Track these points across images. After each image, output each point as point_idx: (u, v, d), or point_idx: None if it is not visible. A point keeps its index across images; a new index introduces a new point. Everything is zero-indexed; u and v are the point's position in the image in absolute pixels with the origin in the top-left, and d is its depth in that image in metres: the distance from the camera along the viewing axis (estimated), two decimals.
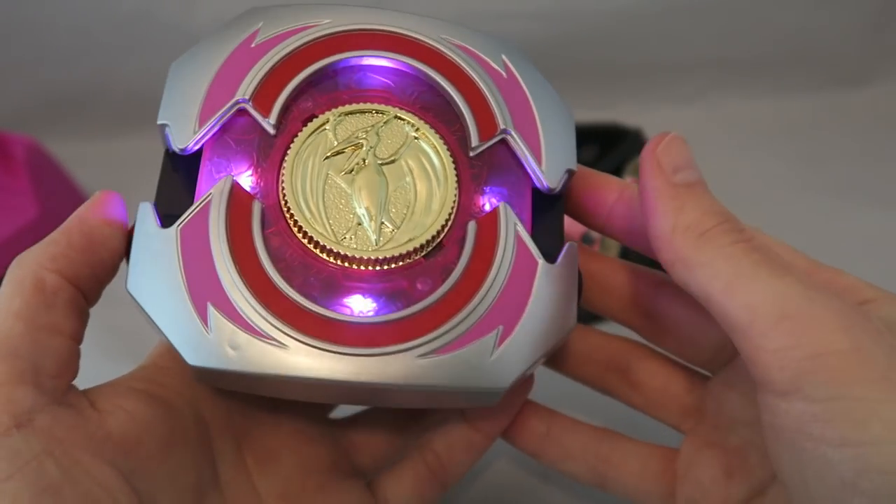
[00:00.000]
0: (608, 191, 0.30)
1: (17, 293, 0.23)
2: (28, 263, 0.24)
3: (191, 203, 0.26)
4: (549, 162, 0.28)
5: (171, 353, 0.27)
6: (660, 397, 0.33)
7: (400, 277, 0.27)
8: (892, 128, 0.65)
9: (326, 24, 0.29)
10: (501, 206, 0.27)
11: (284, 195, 0.26)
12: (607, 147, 0.56)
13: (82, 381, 0.25)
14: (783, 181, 0.60)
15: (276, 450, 0.30)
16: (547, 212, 0.29)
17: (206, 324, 0.24)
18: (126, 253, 0.26)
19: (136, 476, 0.23)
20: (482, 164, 0.29)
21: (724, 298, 0.23)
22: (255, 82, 0.27)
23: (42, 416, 0.22)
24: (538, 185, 0.28)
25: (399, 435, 0.34)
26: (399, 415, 0.35)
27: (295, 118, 0.28)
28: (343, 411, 0.35)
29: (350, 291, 0.26)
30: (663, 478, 0.32)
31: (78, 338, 0.25)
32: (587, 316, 0.37)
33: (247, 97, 0.27)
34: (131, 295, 0.25)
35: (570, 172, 0.29)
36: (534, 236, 0.28)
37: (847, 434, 0.20)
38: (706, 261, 0.23)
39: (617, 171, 0.52)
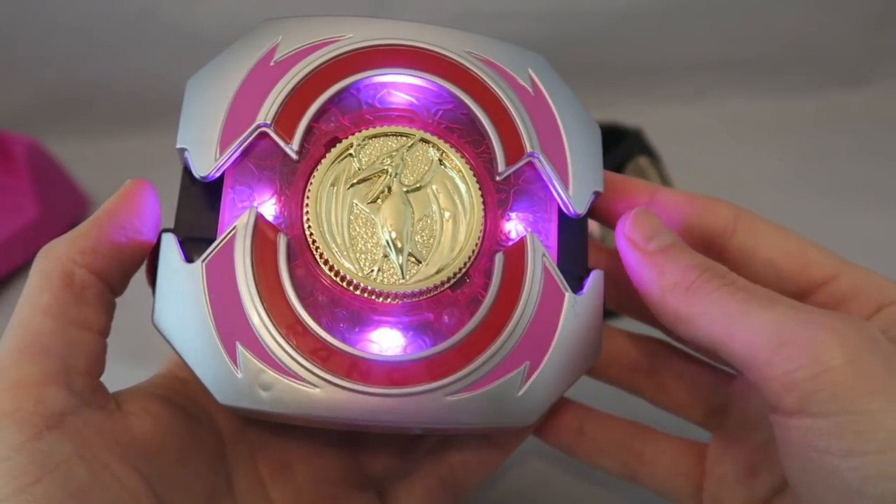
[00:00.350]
0: (638, 196, 0.30)
1: (45, 287, 0.23)
2: (56, 256, 0.24)
3: (212, 225, 0.26)
4: (576, 186, 0.28)
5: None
6: (687, 397, 0.33)
7: (426, 310, 0.26)
8: (892, 128, 0.65)
9: (347, 39, 0.28)
10: (528, 236, 0.27)
11: (310, 227, 0.26)
12: (607, 147, 0.55)
13: None
14: (783, 181, 0.61)
15: (290, 461, 0.30)
16: (572, 233, 0.28)
17: (236, 363, 0.24)
18: (149, 275, 0.26)
19: (156, 481, 0.23)
20: (508, 187, 0.28)
21: (727, 341, 0.24)
22: (276, 105, 0.26)
23: (72, 417, 0.22)
24: (565, 210, 0.28)
25: (412, 446, 0.34)
26: None
27: (318, 141, 0.27)
28: None
29: (377, 325, 0.26)
30: (693, 474, 0.32)
31: (106, 332, 0.24)
32: (607, 313, 0.37)
33: (268, 121, 0.26)
34: (158, 329, 0.25)
35: (597, 194, 0.28)
36: (559, 260, 0.27)
37: (852, 445, 0.21)
38: (699, 311, 0.24)
39: (617, 172, 0.52)
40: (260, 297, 0.25)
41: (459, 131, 0.28)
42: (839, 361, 0.21)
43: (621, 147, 0.54)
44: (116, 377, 0.27)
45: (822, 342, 0.22)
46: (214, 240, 0.26)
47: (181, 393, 0.27)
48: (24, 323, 0.23)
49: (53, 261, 0.23)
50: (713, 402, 0.33)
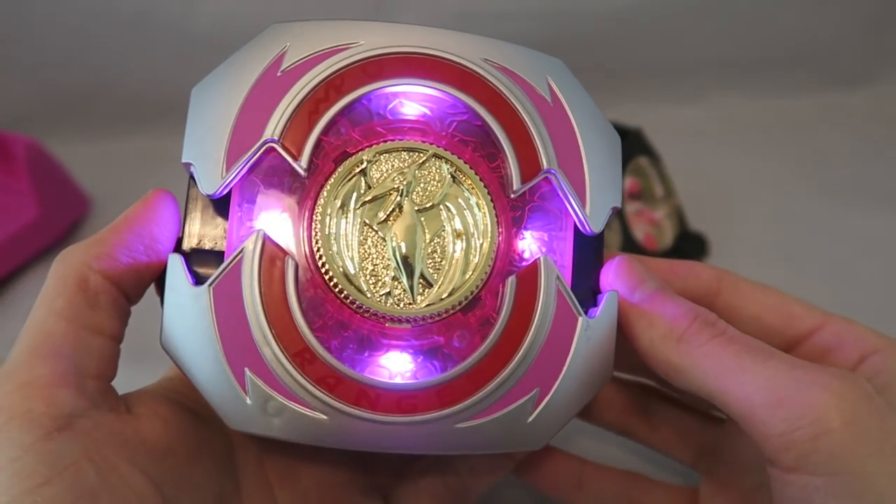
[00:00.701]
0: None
1: (60, 292, 0.23)
2: (72, 261, 0.24)
3: (220, 237, 0.26)
4: (593, 203, 0.27)
5: None
6: (679, 438, 0.34)
7: (437, 333, 0.26)
8: (892, 128, 0.65)
9: (358, 46, 0.26)
10: (542, 259, 0.26)
11: (319, 249, 0.25)
12: None
13: None
14: (783, 181, 0.61)
15: (296, 466, 0.30)
16: (588, 251, 0.28)
17: (245, 389, 0.24)
18: (158, 289, 0.26)
19: (165, 483, 0.23)
20: (523, 204, 0.27)
21: (721, 395, 0.24)
22: (283, 119, 0.25)
23: (82, 419, 0.22)
24: (581, 229, 0.27)
25: (418, 454, 0.34)
26: None
27: (327, 155, 0.26)
28: None
29: (387, 349, 0.26)
30: None
31: (119, 338, 0.25)
32: None
33: (276, 137, 0.25)
34: (167, 352, 0.25)
35: (615, 209, 0.27)
36: (574, 280, 0.27)
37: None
38: (692, 363, 0.25)
39: None
40: (268, 323, 0.24)
41: (474, 144, 0.27)
42: (837, 424, 0.22)
43: (621, 147, 0.54)
44: (124, 379, 0.27)
45: (820, 403, 0.22)
46: (222, 252, 0.26)
47: (190, 396, 0.27)
48: (37, 325, 0.23)
49: (69, 265, 0.24)
50: (704, 445, 0.33)
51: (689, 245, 0.54)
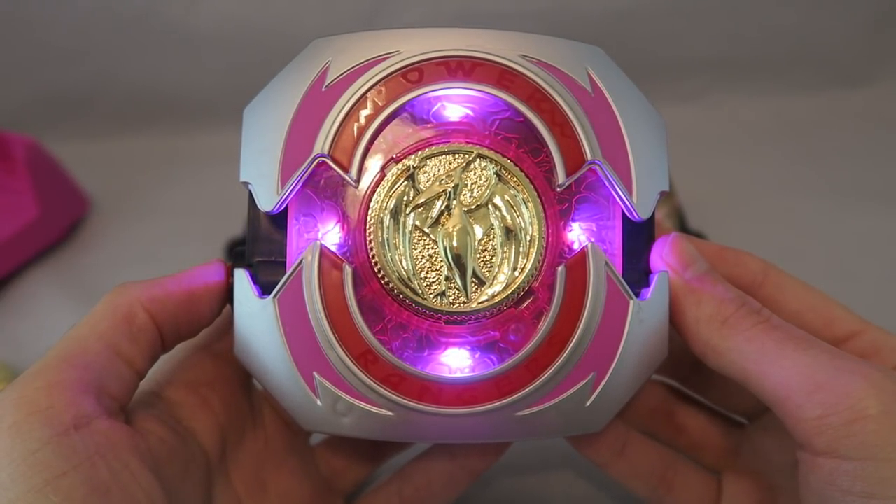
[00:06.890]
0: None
1: (107, 317, 0.25)
2: (128, 295, 0.26)
3: (282, 247, 0.27)
4: (640, 190, 0.27)
5: (181, 384, 0.29)
6: (701, 439, 0.34)
7: (492, 328, 0.27)
8: (892, 128, 0.65)
9: (397, 55, 0.27)
10: (589, 246, 0.26)
11: (374, 256, 0.26)
12: None
13: None
14: (783, 181, 0.61)
15: (265, 482, 0.31)
16: (637, 236, 0.28)
17: (315, 392, 0.26)
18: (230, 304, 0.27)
19: (169, 491, 0.24)
20: (570, 196, 0.28)
21: (759, 378, 0.24)
22: (331, 133, 0.26)
23: (98, 421, 0.23)
24: (629, 216, 0.27)
25: (378, 460, 0.35)
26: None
27: (375, 164, 0.27)
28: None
29: (445, 346, 0.27)
30: None
31: (142, 377, 0.26)
32: None
33: (325, 151, 0.26)
34: (239, 361, 0.27)
35: (663, 194, 0.28)
36: (625, 265, 0.27)
37: (874, 489, 0.22)
38: (733, 346, 0.25)
39: None
40: (331, 328, 0.26)
41: (517, 141, 0.28)
42: (874, 411, 0.22)
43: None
44: None
45: (859, 390, 0.23)
46: (284, 263, 0.27)
47: (169, 413, 0.28)
48: (76, 339, 0.25)
49: (124, 297, 0.26)
50: (725, 446, 0.34)
51: None
